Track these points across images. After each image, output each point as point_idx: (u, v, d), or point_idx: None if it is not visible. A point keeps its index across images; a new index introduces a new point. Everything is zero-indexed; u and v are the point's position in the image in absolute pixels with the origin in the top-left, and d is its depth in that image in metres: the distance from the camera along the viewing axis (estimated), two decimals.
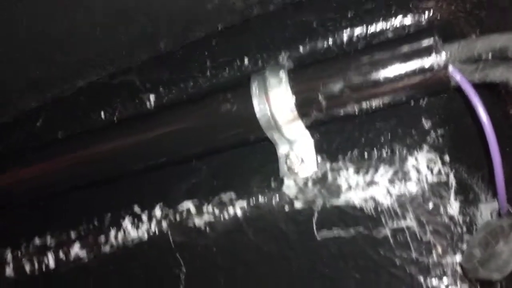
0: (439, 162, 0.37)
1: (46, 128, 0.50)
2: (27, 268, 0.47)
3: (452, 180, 0.37)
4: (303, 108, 0.38)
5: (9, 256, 0.49)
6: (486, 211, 0.40)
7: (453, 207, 0.36)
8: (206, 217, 0.42)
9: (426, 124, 0.38)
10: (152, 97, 0.48)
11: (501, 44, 0.34)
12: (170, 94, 0.48)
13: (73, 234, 0.47)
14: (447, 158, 0.37)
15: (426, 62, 0.35)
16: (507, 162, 0.37)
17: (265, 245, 0.41)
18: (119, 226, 0.45)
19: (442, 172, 0.37)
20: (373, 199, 0.37)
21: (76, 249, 0.46)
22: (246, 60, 0.45)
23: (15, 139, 0.50)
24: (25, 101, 0.48)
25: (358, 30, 0.40)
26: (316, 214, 0.39)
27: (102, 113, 0.50)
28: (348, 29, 0.40)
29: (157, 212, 0.44)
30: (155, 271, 0.44)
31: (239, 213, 0.41)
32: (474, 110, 0.35)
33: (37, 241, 0.48)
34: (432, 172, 0.37)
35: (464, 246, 0.36)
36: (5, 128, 0.50)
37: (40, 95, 0.47)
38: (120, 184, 0.48)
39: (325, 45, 0.42)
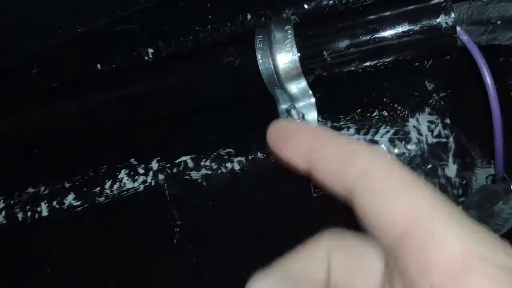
0: (440, 124, 0.37)
1: (42, 77, 0.49)
2: (20, 215, 0.47)
3: (452, 143, 0.37)
4: (308, 64, 0.38)
5: (1, 203, 0.48)
6: (481, 176, 0.40)
7: (451, 169, 0.37)
8: (203, 171, 0.42)
9: (429, 86, 0.38)
10: (150, 50, 0.47)
11: None
12: (169, 48, 0.47)
13: (67, 184, 0.46)
14: (448, 121, 0.37)
15: (434, 21, 0.34)
16: (503, 131, 0.37)
17: (261, 200, 0.41)
18: (114, 178, 0.45)
19: (442, 134, 0.37)
20: None
21: (70, 199, 0.46)
22: (249, 16, 0.44)
23: (10, 85, 0.49)
24: (22, 47, 0.46)
25: None
26: None
27: (99, 65, 0.49)
28: None
29: (154, 165, 0.44)
30: (149, 222, 0.44)
31: (236, 168, 0.41)
32: (477, 74, 0.36)
33: (30, 189, 0.48)
34: (432, 133, 0.37)
35: (459, 208, 0.37)
36: (1, 74, 0.49)
37: (39, 41, 0.46)
38: (116, 137, 0.47)
39: (330, 3, 0.42)
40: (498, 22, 0.33)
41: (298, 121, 0.39)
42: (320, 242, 0.24)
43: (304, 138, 0.27)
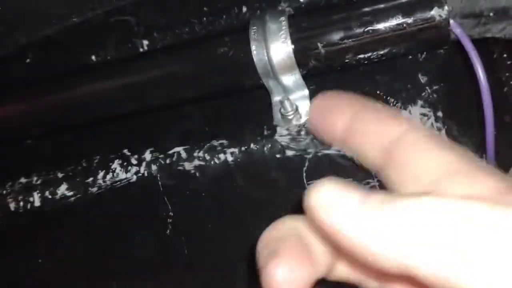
0: (432, 117, 0.37)
1: (35, 67, 0.49)
2: (12, 205, 0.47)
3: (444, 136, 0.37)
4: (302, 56, 0.38)
5: None
6: None
7: None
8: (197, 162, 0.42)
9: (422, 79, 0.38)
10: (145, 42, 0.47)
11: (505, 4, 0.34)
12: (165, 40, 0.47)
13: (60, 175, 0.46)
14: (440, 114, 0.37)
15: (428, 14, 0.35)
16: (495, 126, 0.37)
17: (254, 191, 0.41)
18: (107, 168, 0.45)
19: (435, 127, 0.37)
20: None
21: (63, 189, 0.46)
22: (244, 8, 0.44)
23: (3, 75, 0.49)
24: (16, 36, 0.46)
25: None
26: (307, 163, 0.39)
27: (93, 56, 0.49)
28: None
29: (147, 155, 0.44)
30: (142, 213, 0.44)
31: (230, 159, 0.41)
32: (470, 68, 0.36)
33: (23, 180, 0.48)
34: (424, 126, 0.37)
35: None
36: None
37: (32, 30, 0.45)
38: (110, 128, 0.47)
39: None
40: (491, 14, 0.33)
41: (291, 112, 0.39)
42: None
43: (350, 101, 0.31)
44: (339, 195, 0.21)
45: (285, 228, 0.26)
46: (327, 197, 0.21)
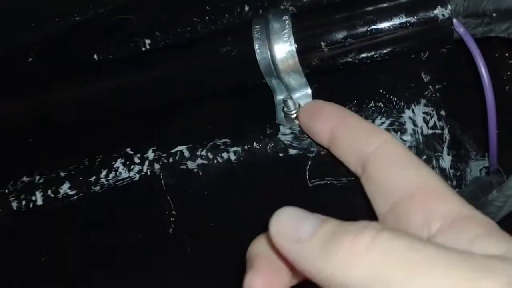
0: (435, 116, 0.37)
1: (37, 66, 0.49)
2: (14, 204, 0.47)
3: (446, 135, 0.37)
4: (305, 55, 0.38)
5: None
6: (475, 168, 0.40)
7: (445, 160, 0.37)
8: (199, 161, 0.42)
9: (425, 78, 0.38)
10: (148, 41, 0.47)
11: (507, 6, 0.34)
12: (167, 39, 0.47)
13: (62, 173, 0.46)
14: (443, 112, 0.38)
15: (432, 13, 0.35)
16: (498, 124, 0.37)
17: (256, 190, 0.41)
18: (110, 167, 0.45)
19: (438, 126, 0.37)
20: None
21: (65, 188, 0.46)
22: (246, 7, 0.44)
23: (4, 73, 0.48)
24: (18, 35, 0.46)
25: None
26: (310, 162, 0.39)
27: (95, 55, 0.49)
28: None
29: (150, 154, 0.44)
30: (144, 212, 0.44)
31: (232, 157, 0.41)
32: (473, 67, 0.36)
33: (25, 179, 0.48)
34: (427, 125, 0.37)
35: None
36: None
37: (34, 29, 0.45)
38: (112, 127, 0.47)
39: None
40: (494, 15, 0.33)
41: (294, 111, 0.39)
42: None
43: (332, 112, 0.32)
44: (293, 225, 0.24)
45: (262, 244, 0.29)
46: (283, 226, 0.24)
